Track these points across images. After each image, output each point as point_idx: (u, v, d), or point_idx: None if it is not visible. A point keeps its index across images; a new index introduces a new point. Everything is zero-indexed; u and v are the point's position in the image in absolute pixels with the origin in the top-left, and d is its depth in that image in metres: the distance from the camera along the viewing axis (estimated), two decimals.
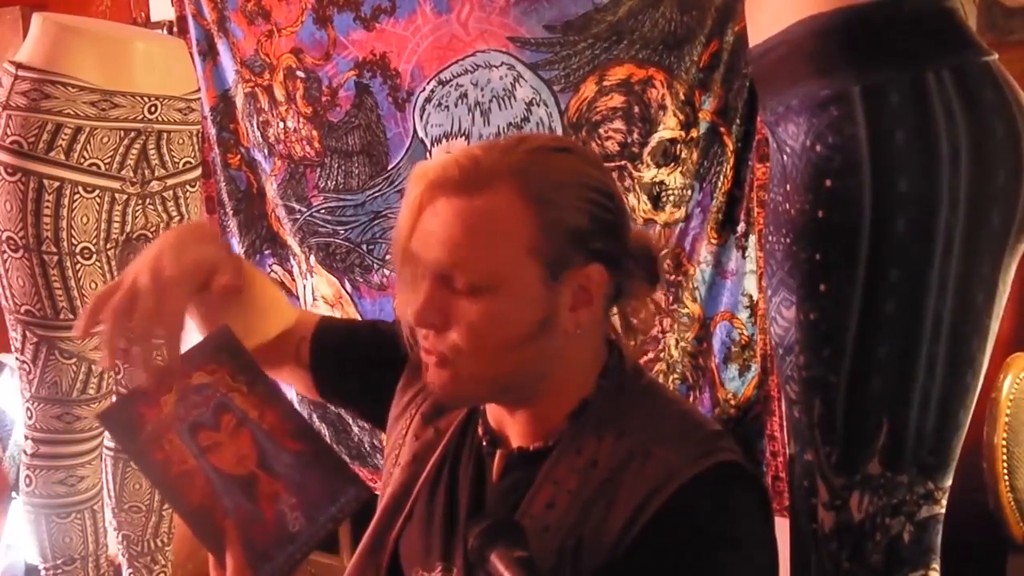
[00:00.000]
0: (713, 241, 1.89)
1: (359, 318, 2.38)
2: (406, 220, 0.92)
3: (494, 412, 1.01)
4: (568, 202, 0.90)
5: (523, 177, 0.89)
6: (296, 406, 2.64)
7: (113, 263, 1.89)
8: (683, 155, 1.88)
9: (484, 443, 1.00)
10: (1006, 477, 1.65)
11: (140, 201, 1.91)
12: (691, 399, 1.94)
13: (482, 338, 0.90)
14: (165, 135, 1.92)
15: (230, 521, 0.88)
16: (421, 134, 2.19)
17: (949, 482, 1.04)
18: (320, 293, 2.45)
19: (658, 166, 1.90)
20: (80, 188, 1.80)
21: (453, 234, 0.88)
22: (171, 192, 1.96)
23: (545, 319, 0.90)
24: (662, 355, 1.95)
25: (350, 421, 2.45)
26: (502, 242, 0.88)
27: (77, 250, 1.81)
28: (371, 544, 1.05)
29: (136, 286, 0.93)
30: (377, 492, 1.07)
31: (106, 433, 1.97)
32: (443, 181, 0.89)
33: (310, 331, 1.15)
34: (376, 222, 2.31)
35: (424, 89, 2.16)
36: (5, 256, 1.80)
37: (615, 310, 1.01)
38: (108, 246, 1.87)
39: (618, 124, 1.92)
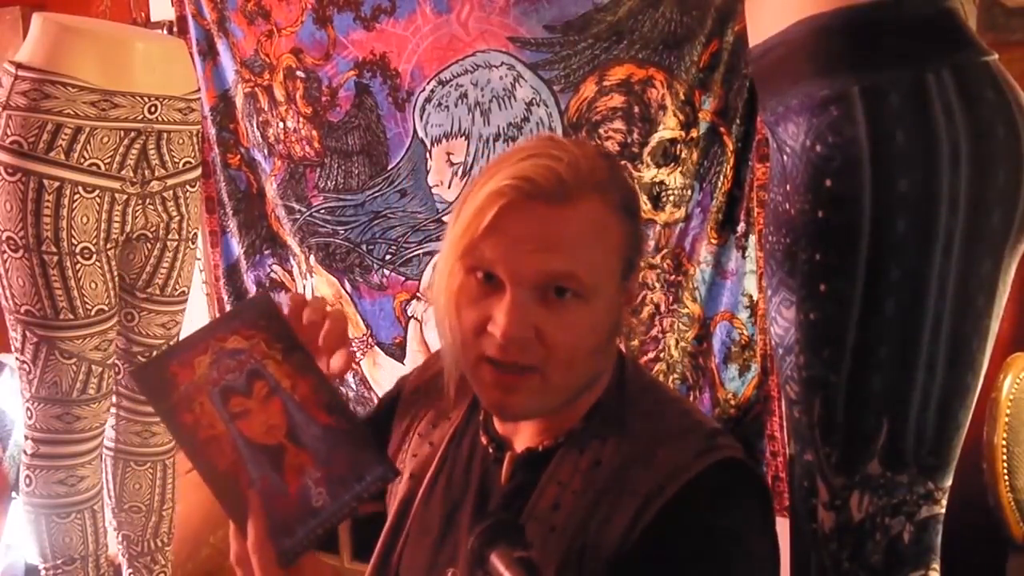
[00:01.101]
0: (713, 241, 1.89)
1: (358, 318, 2.38)
2: (477, 230, 0.87)
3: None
4: (637, 209, 0.94)
5: (606, 186, 0.89)
6: None
7: (113, 263, 1.89)
8: (683, 155, 1.88)
9: (490, 449, 1.00)
10: (1006, 477, 1.65)
11: (140, 201, 1.91)
12: (691, 399, 1.94)
13: (576, 345, 0.88)
14: (165, 135, 1.92)
15: (254, 491, 0.88)
16: (421, 134, 2.19)
17: (949, 482, 1.04)
18: (320, 293, 2.45)
19: (658, 166, 1.90)
20: (80, 188, 1.80)
21: (561, 242, 0.86)
22: (171, 192, 1.96)
23: (615, 322, 0.93)
24: (662, 355, 1.95)
25: None
26: (604, 249, 0.89)
27: (77, 250, 1.81)
28: (378, 565, 1.06)
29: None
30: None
31: (106, 432, 1.97)
32: (532, 190, 0.86)
33: None
34: (376, 222, 2.31)
35: (424, 89, 2.16)
36: (5, 256, 1.80)
37: None
38: (108, 246, 1.87)
39: (618, 124, 1.92)
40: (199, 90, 2.10)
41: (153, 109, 1.87)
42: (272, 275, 2.55)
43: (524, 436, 0.98)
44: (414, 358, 2.32)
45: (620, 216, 0.90)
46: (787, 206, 1.04)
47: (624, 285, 0.93)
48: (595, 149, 0.93)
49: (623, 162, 1.90)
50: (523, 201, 0.86)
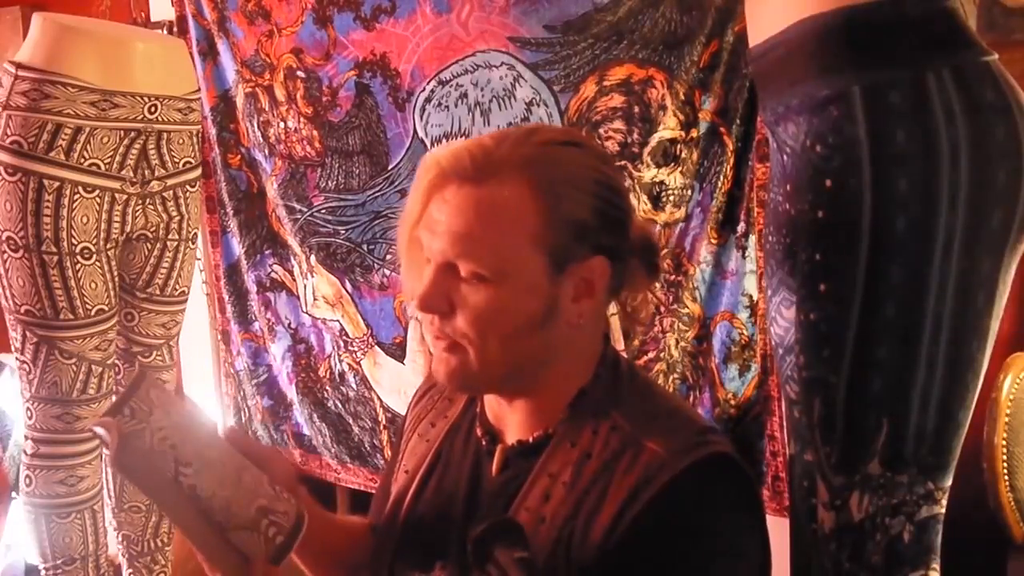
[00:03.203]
0: (713, 241, 1.89)
1: (359, 318, 2.39)
2: (414, 206, 0.93)
3: (493, 409, 1.02)
4: (575, 196, 0.91)
5: (532, 169, 0.90)
6: (296, 407, 2.61)
7: (113, 263, 1.89)
8: (683, 155, 1.88)
9: (483, 442, 1.01)
10: (1006, 477, 1.64)
11: (140, 201, 1.91)
12: (691, 399, 1.94)
13: (486, 325, 0.91)
14: (165, 135, 1.92)
15: None
16: (421, 134, 2.19)
17: (949, 482, 1.04)
18: (320, 293, 2.45)
19: (658, 166, 1.90)
20: (80, 188, 1.80)
21: (460, 222, 0.89)
22: (171, 192, 1.96)
23: (548, 310, 0.92)
24: (662, 355, 1.95)
25: (351, 421, 2.45)
26: (508, 232, 0.90)
27: (77, 250, 1.81)
28: (373, 560, 1.06)
29: None
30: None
31: None
32: (453, 168, 0.90)
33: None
34: (376, 222, 2.31)
35: (424, 89, 2.16)
36: (5, 256, 1.80)
37: (614, 302, 1.02)
38: (108, 246, 1.87)
39: (618, 124, 1.92)
40: (199, 90, 2.10)
41: (153, 109, 1.87)
42: (272, 275, 2.55)
43: (515, 428, 0.99)
44: (414, 358, 2.32)
45: (540, 198, 0.89)
46: (787, 206, 1.04)
47: (559, 276, 0.91)
48: (550, 138, 0.95)
49: (623, 162, 1.90)
50: (440, 179, 0.91)
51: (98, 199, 1.83)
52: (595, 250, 0.92)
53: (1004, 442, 1.65)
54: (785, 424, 1.80)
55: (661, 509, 0.87)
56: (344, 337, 2.43)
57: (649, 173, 1.90)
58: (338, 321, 2.43)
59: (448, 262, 0.91)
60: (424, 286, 0.92)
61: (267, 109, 2.42)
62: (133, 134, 1.86)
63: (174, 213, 1.98)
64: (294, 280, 2.51)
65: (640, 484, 0.88)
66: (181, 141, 1.96)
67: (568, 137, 1.02)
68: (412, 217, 0.94)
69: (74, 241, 1.80)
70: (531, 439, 0.97)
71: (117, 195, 1.86)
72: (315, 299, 2.46)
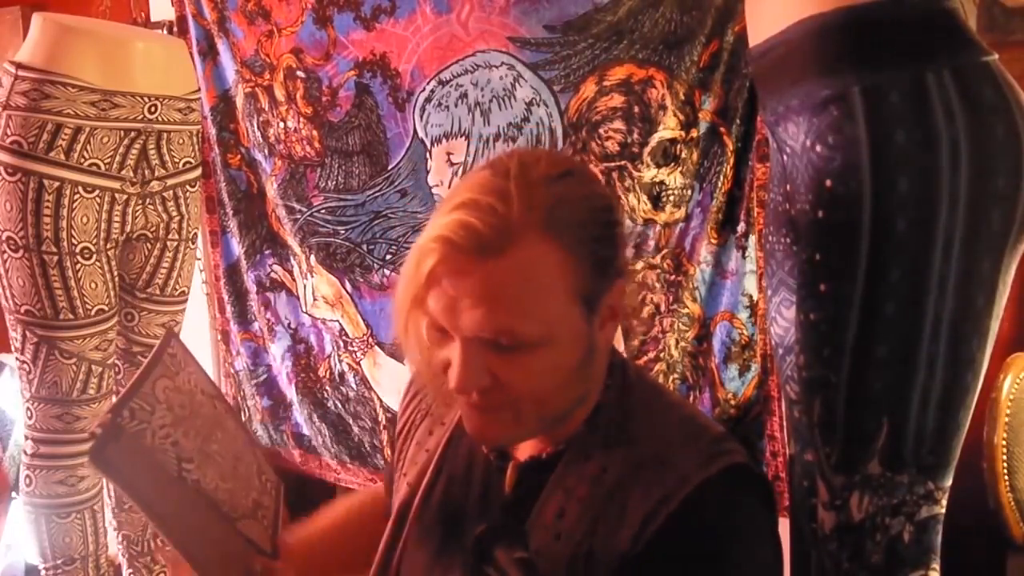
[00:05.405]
0: (713, 241, 1.89)
1: (359, 318, 2.38)
2: (419, 284, 0.85)
3: None
4: (592, 234, 0.88)
5: (550, 222, 0.84)
6: (296, 407, 2.61)
7: (113, 263, 1.89)
8: (683, 155, 1.88)
9: (492, 458, 1.00)
10: (1006, 477, 1.64)
11: (140, 201, 1.91)
12: (691, 399, 1.94)
13: (539, 386, 0.88)
14: (165, 135, 1.92)
15: None
16: (421, 134, 2.19)
17: (949, 482, 1.04)
18: (320, 293, 2.45)
19: (658, 166, 1.90)
20: (80, 188, 1.80)
21: (495, 298, 0.83)
22: (171, 192, 1.96)
23: (589, 350, 0.90)
24: (662, 355, 1.95)
25: (350, 421, 2.45)
26: (545, 297, 0.85)
27: (77, 250, 1.81)
28: (378, 571, 1.06)
29: None
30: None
31: None
32: (470, 242, 0.82)
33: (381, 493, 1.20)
34: (376, 222, 2.31)
35: (424, 89, 2.16)
36: (5, 256, 1.80)
37: None
38: (108, 246, 1.87)
39: (618, 124, 1.92)
40: (199, 90, 2.10)
41: (153, 109, 1.87)
42: (272, 275, 2.55)
43: (525, 444, 0.98)
44: None
45: (564, 251, 0.85)
46: (787, 206, 1.04)
47: (591, 320, 0.89)
48: (545, 175, 0.87)
49: (623, 162, 1.90)
50: (453, 256, 0.83)
51: (98, 199, 1.83)
52: (614, 275, 0.91)
53: (1004, 442, 1.65)
54: (785, 424, 1.80)
55: (683, 524, 0.86)
56: (344, 337, 2.43)
57: (649, 173, 1.90)
58: (338, 321, 2.43)
59: (474, 339, 0.85)
60: (459, 369, 0.86)
61: (267, 109, 2.42)
62: (133, 134, 1.86)
63: (174, 213, 1.98)
64: (294, 280, 2.51)
65: (660, 499, 0.87)
66: (181, 141, 1.96)
67: (561, 166, 0.92)
68: (417, 293, 0.86)
69: (74, 241, 1.80)
70: (544, 455, 0.96)
71: (117, 195, 1.86)
72: (315, 299, 2.46)
